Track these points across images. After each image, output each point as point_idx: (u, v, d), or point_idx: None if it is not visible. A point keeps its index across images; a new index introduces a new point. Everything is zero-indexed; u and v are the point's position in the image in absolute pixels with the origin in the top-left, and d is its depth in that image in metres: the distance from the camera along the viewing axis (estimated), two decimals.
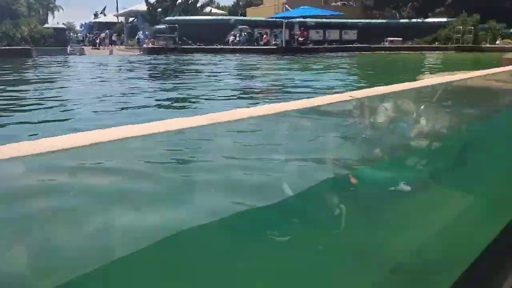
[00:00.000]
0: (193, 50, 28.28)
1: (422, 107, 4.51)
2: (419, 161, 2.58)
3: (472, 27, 30.62)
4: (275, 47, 29.61)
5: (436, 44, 31.76)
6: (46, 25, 31.14)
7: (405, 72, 15.37)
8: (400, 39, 32.08)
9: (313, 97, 5.32)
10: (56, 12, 55.09)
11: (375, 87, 4.50)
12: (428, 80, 5.52)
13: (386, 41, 32.15)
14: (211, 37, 30.01)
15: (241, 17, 39.44)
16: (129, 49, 31.92)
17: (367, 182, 2.05)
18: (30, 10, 36.05)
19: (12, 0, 29.80)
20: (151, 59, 20.91)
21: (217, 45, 29.32)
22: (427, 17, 37.16)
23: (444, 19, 34.25)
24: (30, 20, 29.19)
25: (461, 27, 30.79)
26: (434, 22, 35.10)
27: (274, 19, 31.92)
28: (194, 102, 6.62)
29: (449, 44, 30.79)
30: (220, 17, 37.69)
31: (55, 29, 30.01)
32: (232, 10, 46.62)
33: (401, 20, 37.51)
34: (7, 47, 22.89)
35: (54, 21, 48.72)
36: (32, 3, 38.35)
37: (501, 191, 2.13)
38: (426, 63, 20.29)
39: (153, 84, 9.83)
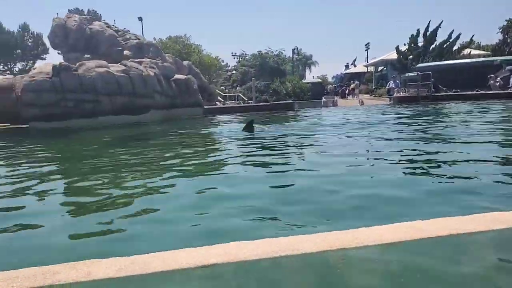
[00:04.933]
0: (448, 97, 27.87)
1: None
2: None
3: None
4: None
5: None
6: (304, 80, 37.14)
7: None
8: None
9: None
10: (312, 67, 63.98)
11: None
12: None
13: None
14: (470, 82, 28.78)
15: (510, 57, 35.70)
16: (378, 98, 34.11)
17: None
18: (293, 68, 43.33)
19: (281, 61, 36.94)
20: (403, 109, 22.10)
21: (477, 90, 28.04)
22: None
23: None
24: (293, 77, 35.48)
25: None
26: None
27: None
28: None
29: None
30: (481, 59, 35.62)
31: (313, 83, 35.36)
32: (496, 49, 43.39)
33: None
34: (276, 102, 28.53)
35: (310, 75, 56.93)
36: (294, 61, 46.09)
37: None
38: None
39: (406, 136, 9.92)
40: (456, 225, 2.32)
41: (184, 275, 1.85)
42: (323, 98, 33.76)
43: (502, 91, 26.70)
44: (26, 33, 52.92)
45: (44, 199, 5.07)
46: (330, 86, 49.40)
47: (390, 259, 1.97)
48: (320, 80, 42.79)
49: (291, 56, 45.25)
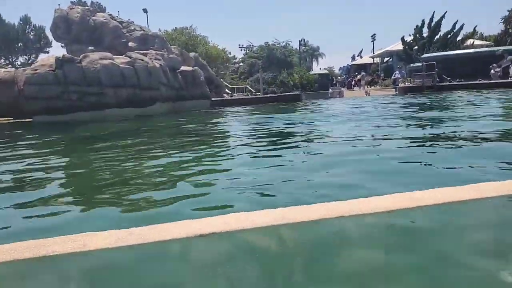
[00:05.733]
0: (452, 87, 27.86)
1: None
2: None
3: None
4: None
5: None
6: (311, 72, 37.05)
7: None
8: None
9: None
10: (319, 59, 63.85)
11: None
12: None
13: None
14: (474, 72, 28.99)
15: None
16: (384, 89, 33.98)
17: None
18: (301, 59, 43.11)
19: (288, 52, 36.78)
20: (406, 99, 21.98)
21: (480, 80, 28.04)
22: None
23: None
24: (300, 68, 35.31)
25: None
26: None
27: None
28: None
29: None
30: (483, 49, 35.63)
31: (320, 74, 35.23)
32: (499, 40, 43.16)
33: None
34: (283, 93, 28.41)
35: (317, 67, 56.75)
36: (301, 53, 45.88)
37: None
38: None
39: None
40: (452, 194, 2.30)
41: (181, 244, 1.82)
42: (329, 89, 33.66)
43: (504, 81, 26.62)
44: (27, 26, 52.04)
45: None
46: (339, 77, 49.20)
47: (387, 227, 1.95)
48: (327, 72, 42.51)
49: (298, 47, 45.05)
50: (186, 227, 1.99)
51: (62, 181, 5.32)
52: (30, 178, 5.48)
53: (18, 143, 10.39)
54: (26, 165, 6.50)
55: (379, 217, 2.04)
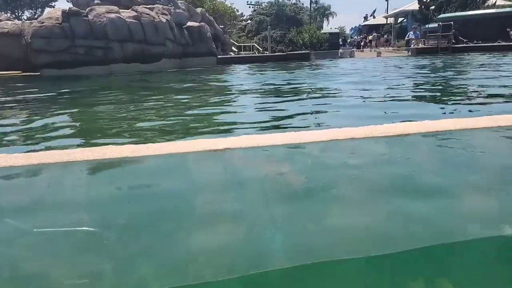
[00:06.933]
0: (467, 49, 27.31)
1: None
2: None
3: None
4: None
5: None
6: (322, 31, 36.41)
7: None
8: None
9: None
10: (330, 18, 62.64)
11: None
12: None
13: None
14: (493, 33, 28.33)
15: None
16: (396, 50, 33.39)
17: None
18: (311, 18, 42.31)
19: (298, 9, 36.04)
20: (418, 60, 21.51)
21: (499, 42, 27.41)
22: None
23: None
24: (310, 27, 34.71)
25: None
26: None
27: None
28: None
29: None
30: (505, 9, 34.38)
31: (330, 33, 34.59)
32: None
33: None
34: (292, 52, 28.11)
35: (328, 26, 55.72)
36: (312, 11, 44.94)
37: None
38: None
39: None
40: (464, 123, 2.36)
41: (196, 156, 1.93)
42: (340, 49, 33.10)
43: None
44: None
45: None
46: (356, 37, 48.18)
47: (396, 149, 2.03)
48: (338, 31, 41.60)
49: (309, 6, 44.08)
50: (202, 143, 2.10)
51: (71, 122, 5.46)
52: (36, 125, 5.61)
53: (26, 95, 10.51)
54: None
55: (389, 140, 2.12)
